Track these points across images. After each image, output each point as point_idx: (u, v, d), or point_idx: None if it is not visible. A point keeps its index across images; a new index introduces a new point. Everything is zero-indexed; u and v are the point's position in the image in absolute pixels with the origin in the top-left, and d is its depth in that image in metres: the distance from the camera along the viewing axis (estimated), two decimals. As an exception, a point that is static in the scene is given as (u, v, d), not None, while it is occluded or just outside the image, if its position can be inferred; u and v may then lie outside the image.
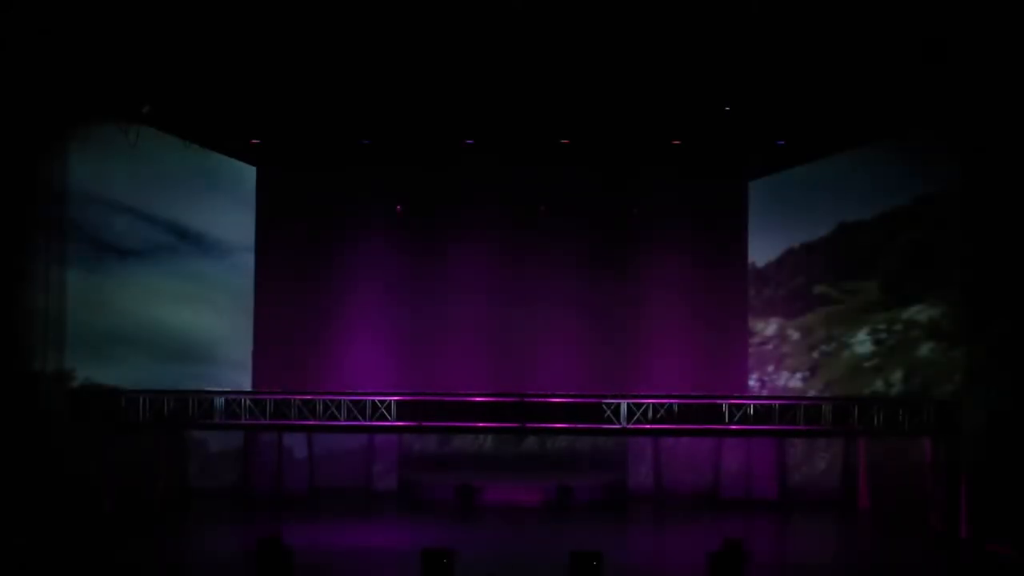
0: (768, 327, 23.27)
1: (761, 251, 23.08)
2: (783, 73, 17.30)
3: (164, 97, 18.48)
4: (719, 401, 19.36)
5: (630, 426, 19.46)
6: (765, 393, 22.71)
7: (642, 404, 19.15)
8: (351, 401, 19.27)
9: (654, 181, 22.76)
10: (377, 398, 19.32)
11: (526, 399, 19.30)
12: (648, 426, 19.41)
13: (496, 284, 22.86)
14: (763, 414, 19.11)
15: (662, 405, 19.13)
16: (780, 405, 19.32)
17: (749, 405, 19.35)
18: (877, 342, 21.56)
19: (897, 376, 20.81)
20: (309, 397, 19.40)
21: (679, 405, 19.13)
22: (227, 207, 22.32)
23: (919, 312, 20.58)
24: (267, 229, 22.93)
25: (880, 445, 21.34)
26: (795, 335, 23.05)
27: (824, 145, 20.93)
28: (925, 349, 20.45)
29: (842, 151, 21.18)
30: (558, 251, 22.81)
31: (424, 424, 19.59)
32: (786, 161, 21.89)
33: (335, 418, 19.23)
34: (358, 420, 19.28)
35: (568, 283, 22.81)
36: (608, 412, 19.15)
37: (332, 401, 19.27)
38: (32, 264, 18.27)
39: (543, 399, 19.35)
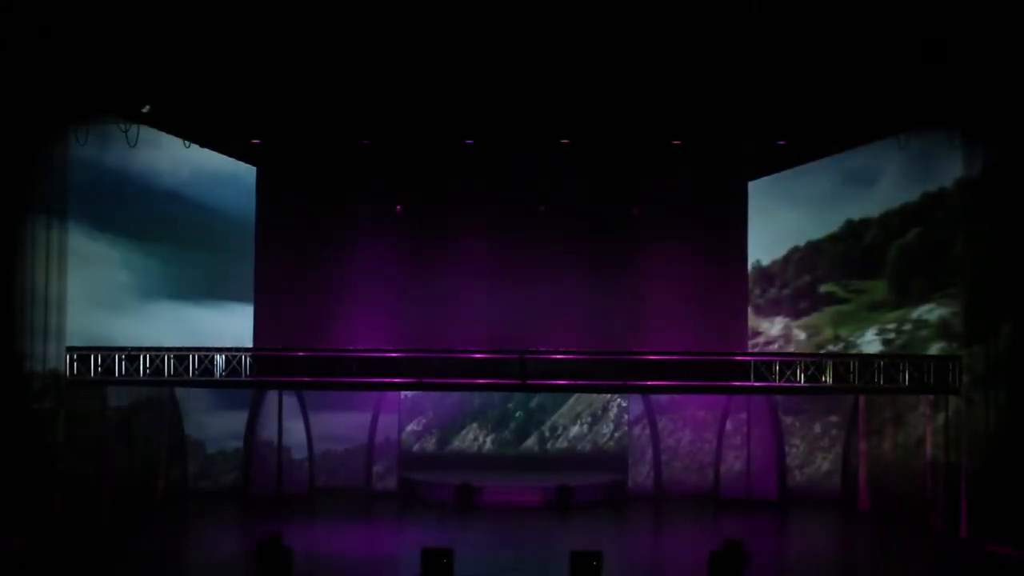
0: (773, 327, 23.20)
1: (766, 249, 22.93)
2: (783, 73, 17.28)
3: (164, 97, 18.45)
4: (720, 358, 19.73)
5: (631, 382, 19.71)
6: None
7: (642, 361, 19.37)
8: (352, 358, 19.50)
9: (654, 181, 22.75)
10: (378, 355, 19.57)
11: (527, 356, 19.44)
12: (649, 383, 19.60)
13: (495, 282, 22.80)
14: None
15: (663, 362, 19.32)
16: (780, 362, 19.45)
17: (750, 362, 19.54)
18: (885, 342, 21.43)
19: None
20: (311, 354, 19.61)
21: (679, 362, 19.38)
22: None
23: (928, 311, 20.41)
24: (267, 228, 22.91)
25: (880, 446, 21.35)
26: (801, 335, 22.91)
27: (824, 145, 20.88)
28: (935, 349, 20.30)
29: (842, 151, 21.14)
30: (557, 252, 22.77)
31: (424, 380, 19.73)
32: (786, 161, 21.85)
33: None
34: (359, 377, 19.46)
35: (567, 284, 22.76)
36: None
37: (333, 359, 19.50)
38: (32, 263, 18.22)
39: (544, 356, 19.56)
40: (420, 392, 23.61)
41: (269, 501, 21.89)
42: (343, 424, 23.09)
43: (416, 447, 23.63)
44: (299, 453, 22.84)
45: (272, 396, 22.71)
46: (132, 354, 19.32)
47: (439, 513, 21.02)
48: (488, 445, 23.81)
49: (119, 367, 19.23)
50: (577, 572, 14.73)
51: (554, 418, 23.75)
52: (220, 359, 19.44)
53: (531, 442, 23.77)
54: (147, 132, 19.45)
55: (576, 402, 23.77)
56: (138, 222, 20.82)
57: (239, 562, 16.44)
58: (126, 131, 18.72)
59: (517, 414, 23.80)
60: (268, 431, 22.73)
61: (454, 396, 23.74)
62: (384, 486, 23.04)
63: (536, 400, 23.81)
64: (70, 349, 18.95)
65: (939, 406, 19.70)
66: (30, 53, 16.56)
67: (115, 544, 18.29)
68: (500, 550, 17.75)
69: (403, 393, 23.39)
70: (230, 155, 21.98)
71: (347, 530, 19.61)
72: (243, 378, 19.62)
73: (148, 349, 19.45)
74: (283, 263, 22.84)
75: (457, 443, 23.78)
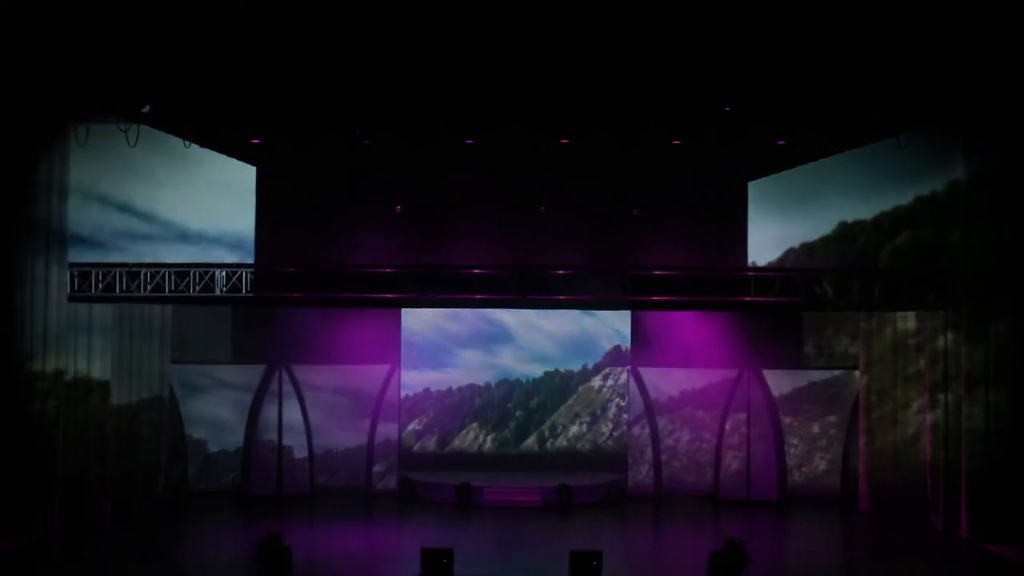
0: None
1: (762, 250, 22.80)
2: (783, 73, 17.26)
3: (164, 97, 18.44)
4: (721, 275, 19.74)
5: (632, 298, 19.73)
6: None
7: (646, 277, 19.52)
8: (351, 275, 19.60)
9: (654, 181, 22.74)
10: (378, 270, 19.65)
11: (527, 271, 19.45)
12: (652, 298, 19.57)
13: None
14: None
15: (666, 277, 19.37)
16: (780, 277, 19.46)
17: (751, 278, 19.57)
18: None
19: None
20: (310, 270, 19.61)
21: (679, 279, 19.42)
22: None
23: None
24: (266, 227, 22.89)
25: (879, 446, 21.36)
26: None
27: (825, 145, 20.85)
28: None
29: (842, 151, 21.09)
30: (558, 250, 22.70)
31: (424, 296, 19.70)
32: (786, 161, 21.83)
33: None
34: (358, 293, 19.49)
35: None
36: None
37: (333, 275, 19.54)
38: (31, 265, 18.19)
39: (543, 271, 19.59)
40: (420, 392, 23.59)
41: (269, 501, 21.90)
42: (343, 424, 23.09)
43: (416, 447, 23.62)
44: (299, 453, 22.84)
45: (272, 397, 22.73)
46: (133, 270, 19.16)
47: (439, 513, 21.02)
48: (488, 445, 23.79)
49: (120, 283, 19.08)
50: (577, 572, 14.74)
51: (554, 417, 23.74)
52: (221, 275, 19.34)
53: (531, 442, 23.76)
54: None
55: (576, 401, 23.76)
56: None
57: (239, 562, 16.45)
58: (126, 131, 18.68)
59: (517, 413, 23.78)
60: (268, 431, 22.75)
61: (454, 396, 23.70)
62: (384, 486, 23.04)
63: (536, 399, 23.80)
64: (71, 265, 18.74)
65: (937, 404, 19.74)
66: (29, 52, 16.55)
67: (115, 544, 18.30)
68: (500, 550, 17.77)
69: (403, 393, 23.38)
70: (230, 155, 21.95)
71: (347, 530, 19.61)
72: (243, 294, 19.49)
73: (148, 265, 19.32)
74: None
75: (457, 443, 23.76)
